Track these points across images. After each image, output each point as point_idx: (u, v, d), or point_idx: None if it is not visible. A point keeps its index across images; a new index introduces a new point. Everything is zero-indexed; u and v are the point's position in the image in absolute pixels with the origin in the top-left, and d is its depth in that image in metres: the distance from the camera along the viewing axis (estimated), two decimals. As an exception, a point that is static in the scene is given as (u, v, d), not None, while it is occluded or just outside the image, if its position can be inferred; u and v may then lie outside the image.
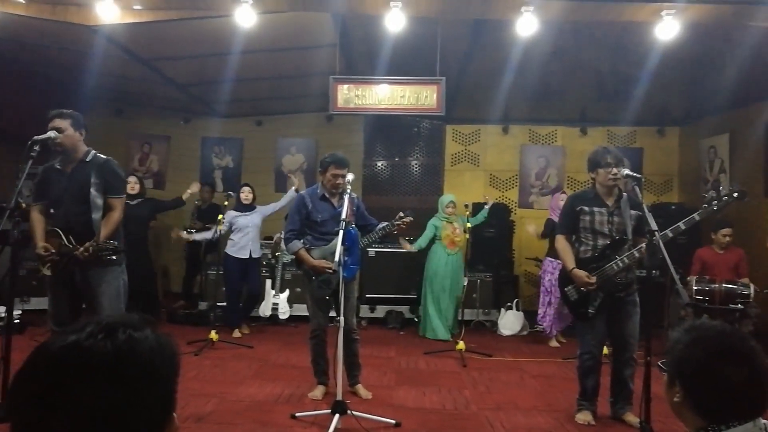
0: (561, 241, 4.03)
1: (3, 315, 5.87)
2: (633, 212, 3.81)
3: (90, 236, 3.55)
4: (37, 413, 0.81)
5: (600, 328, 3.89)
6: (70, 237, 3.61)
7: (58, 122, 3.62)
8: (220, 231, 6.10)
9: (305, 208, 4.29)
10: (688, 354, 1.49)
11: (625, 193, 3.86)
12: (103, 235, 3.56)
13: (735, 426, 1.42)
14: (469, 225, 6.20)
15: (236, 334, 6.39)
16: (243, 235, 6.51)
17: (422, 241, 6.82)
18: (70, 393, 0.80)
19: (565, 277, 3.98)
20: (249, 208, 6.65)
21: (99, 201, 3.63)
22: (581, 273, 3.80)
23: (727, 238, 6.01)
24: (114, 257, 3.58)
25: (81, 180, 3.65)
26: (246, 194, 6.66)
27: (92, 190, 3.61)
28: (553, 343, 6.49)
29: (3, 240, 5.14)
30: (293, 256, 7.42)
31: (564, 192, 6.88)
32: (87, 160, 3.72)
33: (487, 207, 7.08)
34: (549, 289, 6.41)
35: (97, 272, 3.61)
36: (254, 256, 6.59)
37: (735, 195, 3.45)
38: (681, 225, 3.53)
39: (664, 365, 1.60)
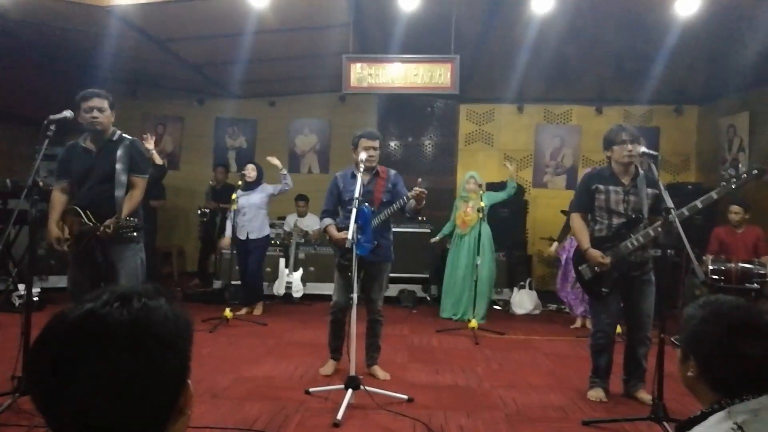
0: (576, 220, 4.01)
1: (22, 293, 6.02)
2: (650, 191, 3.76)
3: (110, 213, 3.60)
4: (54, 380, 0.82)
5: (614, 306, 3.88)
6: (89, 214, 3.66)
7: (98, 101, 3.67)
8: (234, 210, 6.11)
9: (337, 189, 4.36)
10: (704, 328, 1.49)
11: (642, 172, 3.81)
12: (125, 213, 3.62)
13: (749, 399, 1.41)
14: (482, 204, 6.12)
15: (242, 312, 6.33)
16: (241, 215, 6.32)
17: (448, 227, 6.80)
18: (86, 361, 0.81)
19: (579, 256, 3.97)
20: (253, 186, 6.43)
21: (123, 178, 3.68)
22: (596, 253, 3.78)
23: (737, 216, 5.94)
24: (134, 234, 3.64)
25: (108, 158, 3.71)
26: (249, 172, 6.42)
27: (118, 167, 3.67)
28: (576, 324, 6.35)
29: (21, 219, 5.23)
30: (305, 236, 7.56)
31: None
32: (114, 139, 3.77)
33: (511, 183, 6.76)
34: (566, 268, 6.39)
35: (117, 249, 3.68)
36: (251, 237, 6.36)
37: (754, 173, 3.38)
38: (698, 203, 3.48)
39: (677, 341, 1.60)
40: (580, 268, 3.95)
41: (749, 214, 6.00)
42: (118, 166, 3.67)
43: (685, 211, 3.47)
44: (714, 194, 3.47)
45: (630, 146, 3.74)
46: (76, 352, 0.82)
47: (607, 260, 3.74)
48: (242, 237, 6.35)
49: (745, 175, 3.37)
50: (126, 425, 0.83)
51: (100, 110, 3.66)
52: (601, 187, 3.87)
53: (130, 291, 0.89)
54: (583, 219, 3.99)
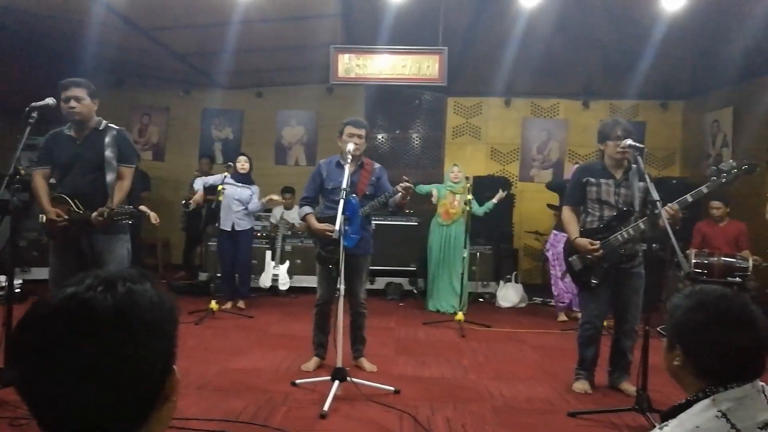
0: (566, 212, 4.04)
1: (4, 284, 5.93)
2: (641, 184, 3.78)
3: (100, 202, 3.56)
4: (36, 365, 0.80)
5: (603, 299, 3.90)
6: (77, 203, 3.62)
7: (76, 91, 3.61)
8: (219, 201, 6.04)
9: (320, 177, 4.30)
10: (689, 318, 1.50)
11: (634, 166, 3.82)
12: (116, 201, 3.59)
13: (733, 388, 1.43)
14: (470, 197, 6.11)
15: (227, 306, 6.24)
16: (228, 206, 6.22)
17: (421, 188, 6.56)
18: (69, 345, 0.79)
19: (569, 248, 3.99)
20: (245, 179, 6.37)
21: (114, 164, 3.65)
22: (584, 241, 3.82)
23: (717, 211, 6.02)
24: (129, 222, 3.60)
25: (95, 147, 3.66)
26: (242, 164, 6.35)
27: (107, 153, 3.63)
28: (561, 317, 6.35)
29: (2, 210, 5.15)
30: (292, 229, 7.53)
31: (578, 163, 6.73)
32: (100, 128, 3.73)
33: (494, 201, 6.71)
34: (553, 263, 6.41)
35: (103, 239, 3.64)
36: (237, 229, 6.30)
37: (744, 168, 3.41)
38: (688, 197, 3.51)
39: (663, 330, 1.61)
40: (570, 259, 3.97)
41: (729, 208, 6.08)
42: (107, 153, 3.63)
43: (675, 204, 3.50)
44: (704, 188, 3.49)
45: (624, 142, 3.75)
46: (58, 336, 0.80)
47: (597, 245, 3.77)
48: (227, 228, 6.27)
49: (736, 170, 3.39)
50: (110, 411, 0.81)
51: (77, 99, 3.60)
52: (593, 179, 3.90)
53: (115, 275, 0.87)
54: (573, 212, 4.02)
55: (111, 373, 0.80)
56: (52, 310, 0.83)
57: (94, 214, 3.49)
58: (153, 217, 6.42)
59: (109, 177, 3.62)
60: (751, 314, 1.47)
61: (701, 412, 1.43)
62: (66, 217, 3.59)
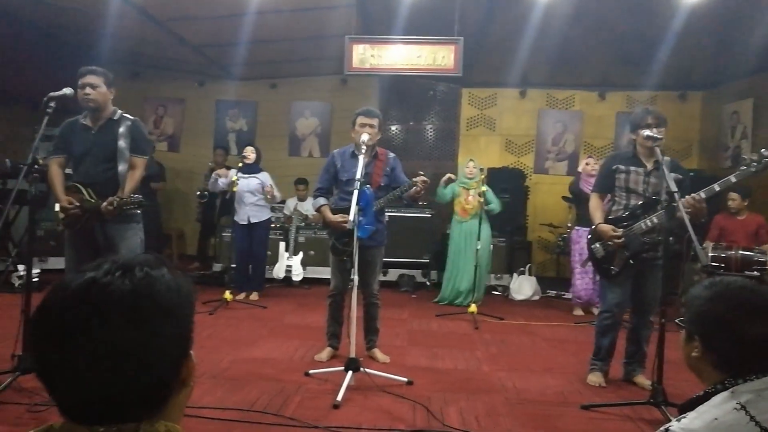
0: (594, 199, 4.04)
1: (22, 273, 6.01)
2: (674, 175, 3.73)
3: (112, 191, 3.59)
4: (55, 348, 0.81)
5: (624, 289, 3.86)
6: (90, 192, 3.64)
7: (92, 78, 3.63)
8: (234, 191, 6.06)
9: (333, 167, 4.28)
10: (709, 308, 1.48)
11: (668, 158, 3.77)
12: (127, 190, 3.61)
13: (753, 380, 1.41)
14: (484, 188, 6.03)
15: (240, 297, 6.27)
16: (241, 198, 6.25)
17: (440, 192, 6.47)
18: (87, 329, 0.80)
19: (593, 235, 3.97)
20: (252, 169, 6.32)
21: (127, 154, 3.67)
22: (606, 227, 3.81)
23: (733, 203, 5.94)
24: (138, 211, 3.63)
25: (109, 137, 3.68)
26: (249, 154, 6.31)
27: (121, 143, 3.65)
28: (577, 311, 6.33)
29: (21, 200, 5.20)
30: (305, 220, 7.54)
31: (591, 156, 6.63)
32: (115, 118, 3.75)
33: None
34: (574, 258, 6.34)
35: (117, 228, 3.66)
36: (253, 221, 6.32)
37: None
38: (716, 186, 3.44)
39: (681, 322, 1.59)
40: (593, 246, 3.95)
41: (747, 201, 5.99)
42: (121, 143, 3.65)
43: (702, 193, 3.44)
44: (733, 178, 3.41)
45: (656, 130, 3.70)
46: (77, 320, 0.80)
47: (619, 232, 3.74)
48: (243, 221, 6.31)
49: (766, 159, 3.31)
50: (127, 395, 0.82)
51: (93, 87, 3.62)
52: (622, 167, 3.88)
53: (132, 260, 0.88)
54: (601, 199, 4.02)
55: (129, 357, 0.80)
56: (70, 295, 0.83)
57: (104, 203, 3.52)
58: None
59: (121, 167, 3.64)
60: (771, 305, 1.45)
61: (720, 404, 1.41)
62: (78, 204, 3.62)
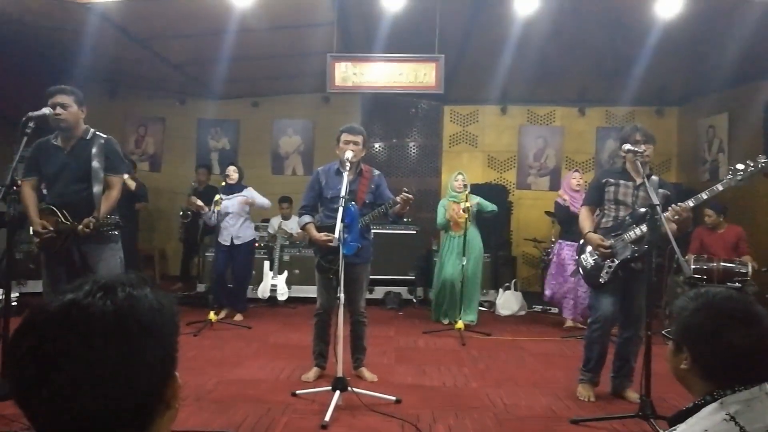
0: (583, 211, 4.09)
1: (0, 297, 5.88)
2: (661, 191, 3.80)
3: (87, 212, 3.52)
4: (33, 371, 0.78)
5: (613, 300, 3.87)
6: (65, 214, 3.58)
7: (62, 98, 3.57)
8: (218, 211, 6.00)
9: (318, 185, 4.27)
10: (697, 319, 1.48)
11: (655, 177, 3.84)
12: (103, 211, 3.55)
13: (741, 391, 1.41)
14: (468, 204, 5.94)
15: (222, 315, 6.11)
16: (224, 218, 6.15)
17: (441, 223, 6.47)
18: (67, 351, 0.78)
19: (581, 245, 4.01)
20: (235, 189, 6.27)
21: (101, 175, 3.61)
22: (595, 236, 3.86)
23: (709, 219, 6.06)
24: (115, 232, 3.58)
25: (82, 157, 3.62)
26: (231, 174, 6.25)
27: (94, 164, 3.59)
28: (568, 323, 6.30)
29: (-1, 222, 5.11)
30: (290, 238, 7.50)
31: (577, 170, 6.65)
32: (87, 137, 3.68)
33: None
34: (552, 269, 6.39)
35: (94, 249, 3.60)
36: (236, 242, 6.23)
37: (761, 165, 3.41)
38: (703, 195, 3.51)
39: (668, 333, 1.59)
40: (581, 256, 3.98)
41: (723, 217, 6.08)
42: (94, 163, 3.59)
43: (690, 202, 3.51)
44: (720, 186, 3.48)
45: (644, 147, 3.76)
46: (57, 342, 0.78)
47: (607, 243, 3.78)
48: (226, 242, 6.21)
49: (752, 168, 3.39)
50: (109, 418, 0.79)
51: (63, 106, 3.55)
52: (612, 180, 3.95)
53: (114, 280, 0.85)
54: (591, 212, 4.06)
55: (110, 379, 0.78)
56: (50, 317, 0.81)
57: (80, 226, 3.47)
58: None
59: (96, 188, 3.58)
60: (757, 315, 1.46)
61: (709, 415, 1.41)
62: (51, 228, 3.56)
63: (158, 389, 0.84)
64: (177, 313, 0.90)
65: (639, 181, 3.86)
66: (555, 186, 8.79)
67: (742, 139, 7.26)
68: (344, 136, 4.13)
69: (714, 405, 1.42)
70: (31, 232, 3.66)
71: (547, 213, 7.74)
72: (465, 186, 6.25)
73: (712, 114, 7.90)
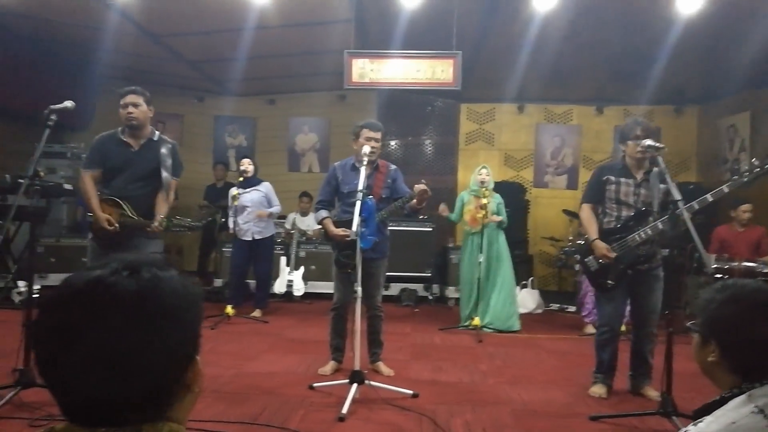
0: (585, 211, 4.00)
1: (22, 289, 5.96)
2: (663, 186, 3.74)
3: (145, 208, 3.72)
4: (56, 346, 0.80)
5: (620, 301, 3.86)
6: (129, 207, 3.73)
7: (133, 98, 3.76)
8: (236, 206, 6.02)
9: (335, 180, 4.28)
10: (725, 311, 1.46)
11: (656, 168, 3.77)
12: (165, 211, 3.75)
13: (769, 383, 1.39)
14: (485, 201, 5.86)
15: (228, 310, 5.83)
16: (243, 214, 6.10)
17: (453, 218, 6.30)
18: (88, 327, 0.79)
19: (586, 248, 3.96)
20: (252, 182, 6.19)
21: (168, 178, 3.79)
22: (602, 245, 3.77)
23: (748, 215, 5.94)
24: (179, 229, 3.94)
25: (151, 157, 3.79)
26: (246, 166, 6.15)
27: (167, 161, 3.78)
28: (590, 329, 5.93)
29: (21, 216, 5.18)
30: (305, 235, 7.52)
31: None
32: (155, 138, 3.86)
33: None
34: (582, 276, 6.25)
35: (144, 243, 3.74)
36: (257, 237, 6.19)
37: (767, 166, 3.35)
38: (708, 197, 3.46)
39: (694, 326, 1.57)
40: (586, 259, 3.93)
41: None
42: (167, 161, 3.78)
43: (695, 204, 3.45)
44: (725, 188, 3.44)
45: (645, 142, 3.72)
46: (79, 317, 0.79)
47: (612, 254, 3.73)
48: (247, 238, 6.16)
49: (758, 169, 3.33)
50: (128, 397, 0.80)
51: (135, 105, 3.74)
52: (612, 178, 3.87)
53: (140, 261, 0.86)
54: (592, 210, 3.98)
55: (129, 359, 0.79)
56: (75, 292, 0.82)
57: (155, 223, 3.66)
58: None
59: (163, 187, 3.76)
60: (787, 307, 1.44)
61: (737, 407, 1.39)
62: (117, 225, 3.69)
63: (177, 372, 0.85)
64: (201, 299, 0.90)
65: (640, 177, 3.82)
66: (572, 184, 8.74)
67: (765, 138, 7.15)
68: (366, 132, 4.13)
69: (742, 398, 1.40)
70: (91, 223, 3.78)
71: (565, 212, 7.68)
72: (484, 182, 6.02)
73: (734, 113, 7.79)
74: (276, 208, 6.34)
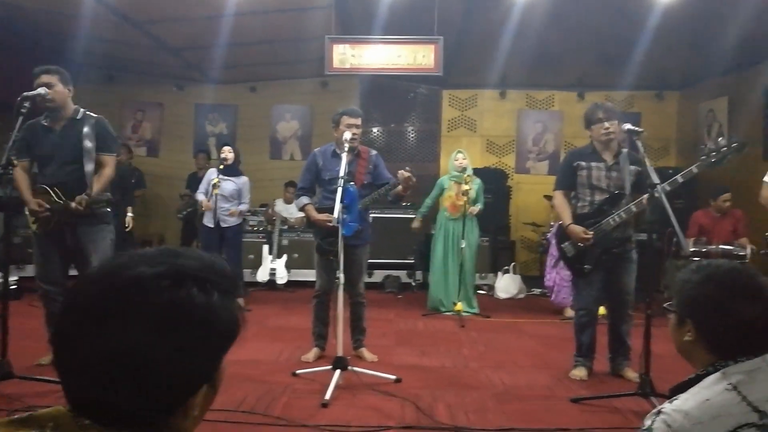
0: (558, 197, 4.03)
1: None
2: (633, 167, 3.78)
3: (80, 192, 3.52)
4: (68, 330, 0.78)
5: (596, 284, 3.90)
6: (58, 192, 3.58)
7: (46, 78, 3.55)
8: (216, 195, 5.96)
9: (315, 167, 4.25)
10: (701, 291, 1.48)
11: (624, 150, 3.82)
12: (96, 190, 3.55)
13: (743, 361, 1.41)
14: (467, 187, 5.90)
15: None
16: (214, 200, 5.97)
17: (427, 202, 6.34)
18: (104, 323, 0.76)
19: (562, 234, 3.99)
20: (232, 171, 6.11)
21: (93, 154, 3.60)
22: (578, 228, 3.81)
23: (728, 203, 6.03)
24: (107, 210, 3.58)
25: (73, 136, 3.61)
26: (226, 153, 6.06)
27: (86, 143, 3.58)
28: (569, 313, 5.94)
29: (-4, 206, 5.09)
30: (288, 223, 7.50)
31: None
32: (77, 117, 3.67)
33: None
34: (552, 253, 6.33)
35: (87, 230, 3.61)
36: (223, 225, 6.02)
37: (734, 146, 3.39)
38: (678, 178, 3.49)
39: (670, 306, 1.59)
40: (563, 245, 3.97)
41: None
42: (86, 143, 3.59)
43: (666, 185, 3.48)
44: (695, 168, 3.48)
45: (607, 124, 3.77)
46: (100, 310, 0.77)
47: (590, 235, 3.76)
48: (210, 224, 6.00)
49: (725, 148, 3.37)
50: (120, 404, 0.77)
51: (49, 86, 3.53)
52: (583, 163, 3.90)
53: (189, 273, 0.81)
54: (565, 197, 4.00)
55: (136, 366, 0.76)
56: (109, 287, 0.79)
57: (73, 203, 3.47)
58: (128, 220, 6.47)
59: (88, 167, 3.58)
60: (762, 286, 1.45)
61: (711, 385, 1.41)
62: (47, 206, 3.55)
63: (178, 395, 0.80)
64: (237, 326, 0.85)
65: (610, 161, 3.85)
66: (554, 170, 8.73)
67: (742, 123, 7.23)
68: (346, 119, 4.11)
69: (716, 375, 1.42)
70: (27, 213, 3.65)
71: (546, 197, 7.72)
72: (463, 166, 6.06)
73: (713, 98, 7.88)
74: (244, 206, 6.20)
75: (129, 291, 0.78)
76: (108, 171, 3.68)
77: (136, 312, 0.77)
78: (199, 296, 0.80)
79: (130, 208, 6.82)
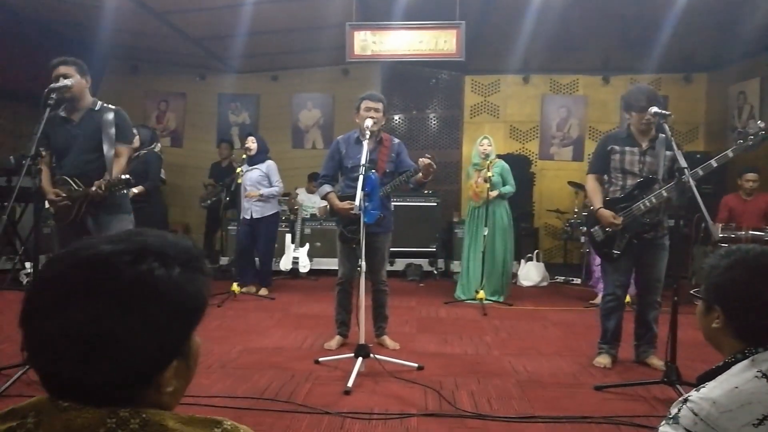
0: (590, 181, 3.99)
1: (29, 271, 6.01)
2: (668, 153, 3.69)
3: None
4: (38, 306, 0.79)
5: (625, 270, 3.85)
6: (78, 182, 3.64)
7: (64, 69, 3.58)
8: (238, 184, 6.00)
9: (338, 154, 4.24)
10: (730, 276, 1.44)
11: (662, 135, 3.72)
12: (114, 174, 3.60)
13: (773, 348, 1.38)
14: (490, 174, 5.80)
15: (234, 287, 5.83)
16: (242, 192, 6.03)
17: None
18: (75, 303, 0.77)
19: (591, 218, 3.94)
20: (256, 160, 6.08)
21: (113, 141, 3.65)
22: (607, 213, 3.76)
23: (752, 183, 5.89)
24: (125, 192, 3.65)
25: (92, 127, 3.66)
26: (250, 144, 6.05)
27: (110, 130, 3.63)
28: (597, 300, 5.81)
29: (26, 196, 5.20)
30: (311, 212, 7.52)
31: None
32: (96, 108, 3.72)
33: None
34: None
35: (108, 219, 3.67)
36: (255, 216, 6.09)
37: None
38: (713, 162, 3.42)
39: (698, 293, 1.55)
40: (592, 230, 3.92)
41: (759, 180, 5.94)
42: (110, 130, 3.64)
43: (699, 170, 3.41)
44: (730, 152, 3.39)
45: (652, 109, 3.66)
46: (68, 287, 0.79)
47: (619, 220, 3.71)
48: (246, 216, 6.09)
49: (763, 133, 3.27)
50: (96, 381, 0.78)
51: (66, 77, 3.56)
52: (617, 147, 3.84)
53: (150, 249, 0.82)
54: (598, 181, 3.96)
55: (101, 341, 0.76)
56: (75, 264, 0.81)
57: (93, 187, 3.52)
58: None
59: (110, 153, 3.62)
60: (791, 272, 1.41)
61: (740, 372, 1.38)
62: (65, 195, 3.61)
63: (145, 370, 0.81)
64: (200, 307, 0.86)
65: (645, 146, 3.77)
66: (578, 156, 8.66)
67: (775, 104, 7.04)
68: (365, 103, 4.09)
69: (745, 362, 1.39)
70: (47, 204, 3.72)
71: (570, 183, 7.63)
72: (487, 153, 5.96)
73: (743, 79, 7.66)
74: (274, 189, 6.16)
75: (92, 267, 0.80)
76: (123, 160, 3.74)
77: (99, 287, 0.78)
78: (160, 270, 0.81)
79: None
